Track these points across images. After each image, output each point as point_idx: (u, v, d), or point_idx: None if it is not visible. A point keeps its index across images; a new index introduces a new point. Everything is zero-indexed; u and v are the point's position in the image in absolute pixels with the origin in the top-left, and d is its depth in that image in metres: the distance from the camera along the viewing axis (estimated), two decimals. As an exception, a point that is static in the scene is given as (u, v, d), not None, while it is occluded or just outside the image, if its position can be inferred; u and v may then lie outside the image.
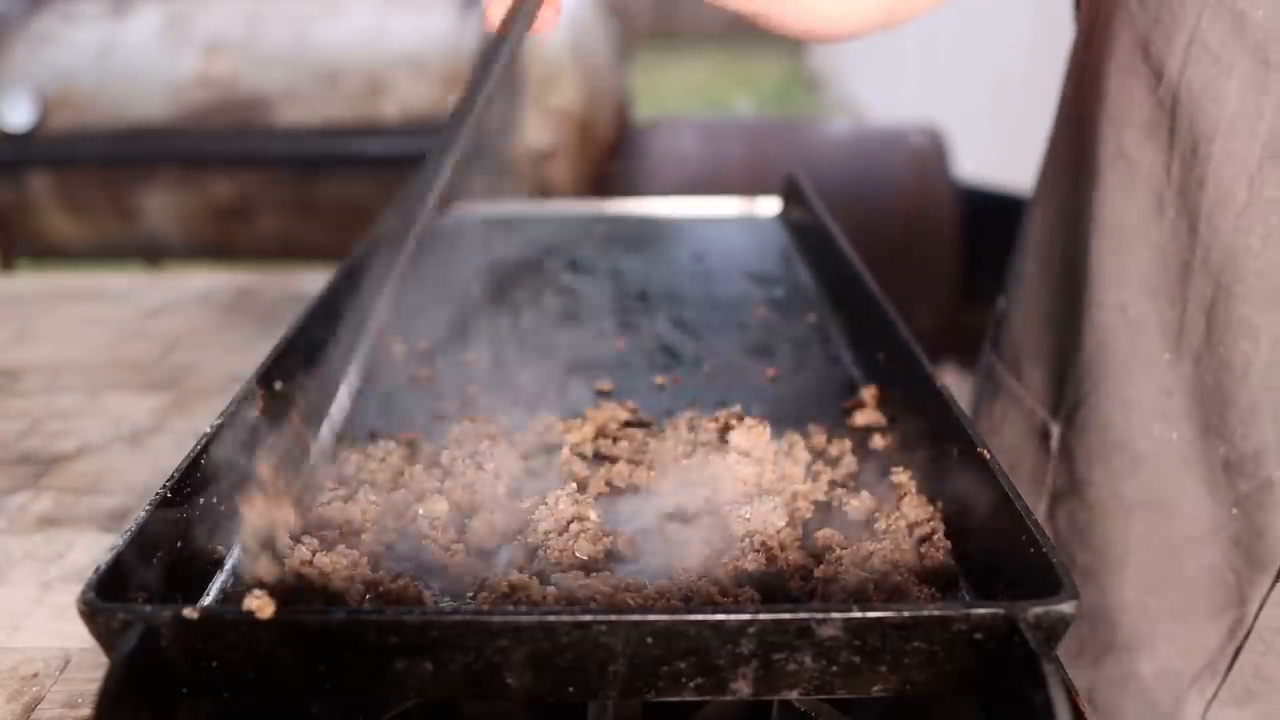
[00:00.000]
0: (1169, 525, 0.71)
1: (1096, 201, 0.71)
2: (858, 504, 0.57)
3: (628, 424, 0.68)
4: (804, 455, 0.61)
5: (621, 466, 0.61)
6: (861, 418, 0.68)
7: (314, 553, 0.49)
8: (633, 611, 0.42)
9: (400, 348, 0.80)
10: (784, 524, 0.54)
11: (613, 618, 0.41)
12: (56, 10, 2.09)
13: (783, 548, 0.52)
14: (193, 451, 0.53)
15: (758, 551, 0.51)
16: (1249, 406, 0.64)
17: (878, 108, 4.65)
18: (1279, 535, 0.65)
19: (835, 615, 0.41)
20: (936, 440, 0.58)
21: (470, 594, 0.49)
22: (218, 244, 2.10)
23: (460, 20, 2.00)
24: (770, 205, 1.17)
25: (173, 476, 0.51)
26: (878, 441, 0.64)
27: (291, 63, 1.98)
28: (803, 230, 1.06)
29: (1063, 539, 0.78)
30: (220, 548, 0.53)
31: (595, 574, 0.50)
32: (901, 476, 0.58)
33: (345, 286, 0.84)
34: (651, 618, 0.41)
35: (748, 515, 0.54)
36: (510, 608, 0.46)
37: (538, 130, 1.96)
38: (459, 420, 0.66)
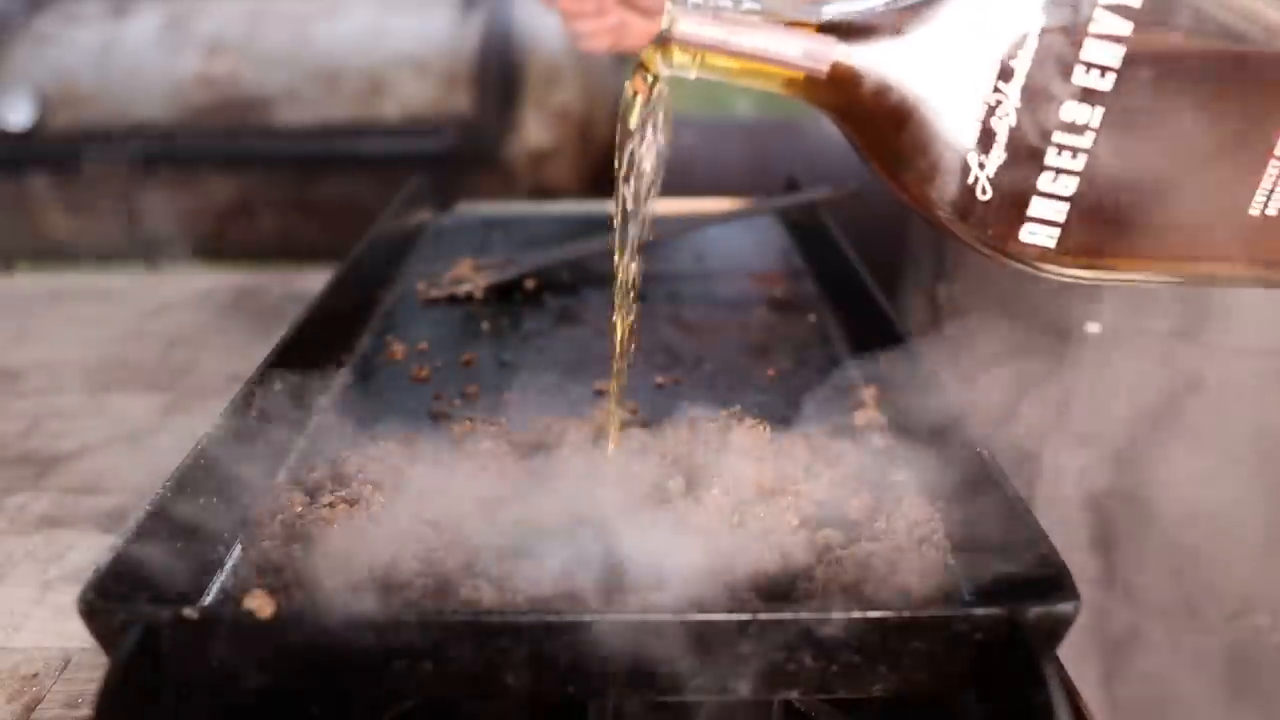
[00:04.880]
0: None
1: None
2: (858, 504, 0.57)
3: (628, 424, 0.67)
4: (804, 455, 0.61)
5: (621, 466, 0.61)
6: (861, 418, 0.67)
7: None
8: (633, 611, 0.42)
9: (400, 347, 0.80)
10: (797, 523, 0.54)
11: (613, 618, 0.41)
12: (57, 10, 2.09)
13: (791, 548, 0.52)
14: (193, 451, 0.53)
15: (773, 551, 0.51)
16: None
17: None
18: None
19: (835, 615, 0.41)
20: (936, 440, 0.58)
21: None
22: (218, 244, 2.10)
23: (460, 20, 2.00)
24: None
25: (173, 476, 0.51)
26: (878, 441, 0.64)
27: (291, 63, 1.98)
28: (803, 230, 1.06)
29: None
30: (220, 548, 0.53)
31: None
32: (901, 476, 0.58)
33: (346, 286, 0.84)
34: (651, 618, 0.41)
35: (761, 514, 0.54)
36: (510, 608, 0.46)
37: (538, 130, 1.96)
38: (459, 420, 0.66)
